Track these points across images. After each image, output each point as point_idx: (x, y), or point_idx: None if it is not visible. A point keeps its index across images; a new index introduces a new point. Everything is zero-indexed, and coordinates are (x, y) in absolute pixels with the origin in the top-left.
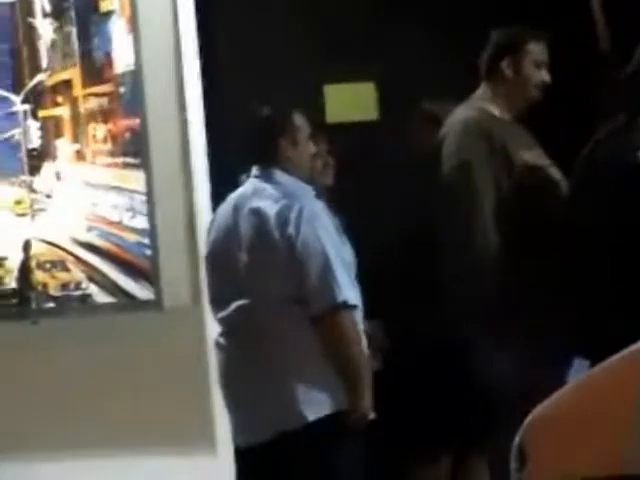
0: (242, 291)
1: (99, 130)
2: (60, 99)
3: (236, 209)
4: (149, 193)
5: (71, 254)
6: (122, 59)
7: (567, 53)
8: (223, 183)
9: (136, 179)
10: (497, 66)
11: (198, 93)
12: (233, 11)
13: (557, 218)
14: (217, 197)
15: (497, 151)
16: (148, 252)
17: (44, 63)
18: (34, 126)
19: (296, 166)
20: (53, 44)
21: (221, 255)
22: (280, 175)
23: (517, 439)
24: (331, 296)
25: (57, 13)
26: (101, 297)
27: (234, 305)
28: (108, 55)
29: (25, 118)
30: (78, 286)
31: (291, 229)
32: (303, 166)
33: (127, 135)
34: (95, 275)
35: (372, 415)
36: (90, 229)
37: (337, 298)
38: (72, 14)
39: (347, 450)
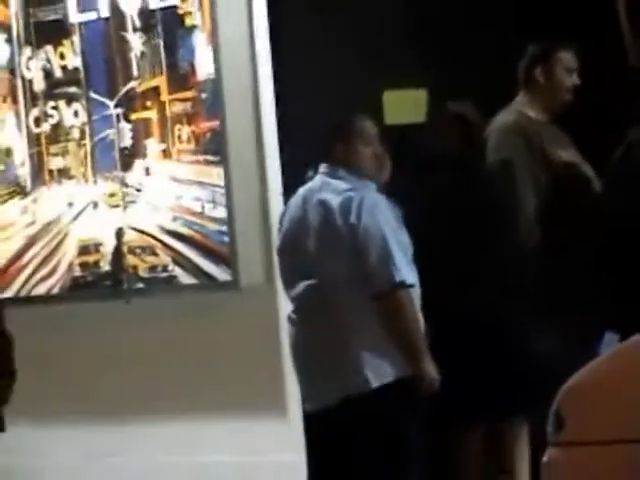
0: (310, 272)
1: (183, 131)
2: (149, 104)
3: (305, 201)
4: (227, 186)
5: (159, 240)
6: (203, 68)
7: (598, 59)
8: (293, 178)
9: (216, 174)
10: (532, 74)
11: (271, 98)
12: (302, 25)
13: (590, 210)
14: (287, 190)
15: (535, 149)
16: (226, 239)
17: (135, 72)
18: (126, 127)
19: (359, 164)
20: (143, 55)
21: (292, 241)
22: (344, 172)
23: (554, 406)
24: (390, 276)
25: (146, 28)
26: (185, 279)
27: (303, 284)
28: (191, 65)
29: (118, 120)
30: (165, 269)
31: (353, 218)
32: (366, 164)
33: (208, 135)
34: (180, 259)
35: (438, 381)
36: (175, 219)
37: (396, 278)
38: (159, 29)
39: (409, 416)
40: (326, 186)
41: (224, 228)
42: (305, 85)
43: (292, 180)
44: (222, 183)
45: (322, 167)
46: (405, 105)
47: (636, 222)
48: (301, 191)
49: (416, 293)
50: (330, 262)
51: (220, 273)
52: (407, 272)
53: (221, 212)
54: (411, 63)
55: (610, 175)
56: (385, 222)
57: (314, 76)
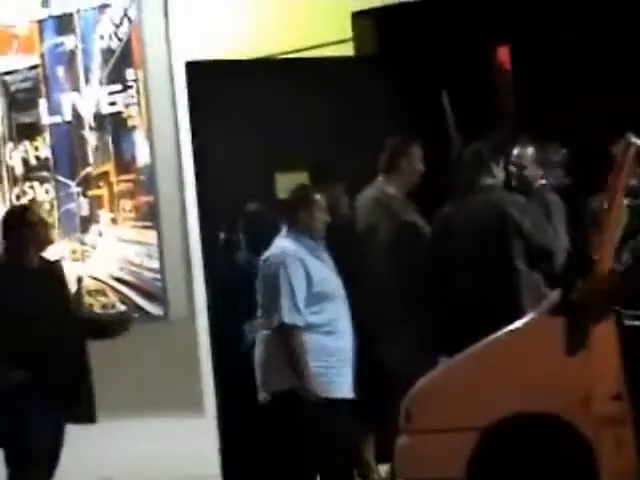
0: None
1: (127, 204)
2: (101, 184)
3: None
4: (160, 245)
5: (109, 285)
6: (142, 158)
7: (431, 152)
8: (209, 239)
9: (151, 236)
10: (397, 162)
11: (192, 179)
12: (216, 125)
13: (423, 254)
14: (204, 248)
15: (392, 215)
16: (159, 283)
17: (90, 160)
18: (84, 201)
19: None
20: (96, 148)
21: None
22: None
23: (404, 403)
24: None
25: (99, 127)
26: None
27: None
28: (132, 155)
29: (78, 196)
30: (113, 306)
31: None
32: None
33: (145, 207)
34: (124, 299)
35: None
36: (121, 269)
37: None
38: (109, 128)
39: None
40: (278, 245)
41: (158, 275)
42: (217, 170)
43: (208, 239)
44: (155, 242)
45: (283, 229)
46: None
47: (454, 265)
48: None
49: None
50: (260, 302)
51: (154, 309)
52: (294, 316)
53: (155, 263)
54: (297, 153)
55: (433, 231)
56: (291, 274)
57: (224, 162)
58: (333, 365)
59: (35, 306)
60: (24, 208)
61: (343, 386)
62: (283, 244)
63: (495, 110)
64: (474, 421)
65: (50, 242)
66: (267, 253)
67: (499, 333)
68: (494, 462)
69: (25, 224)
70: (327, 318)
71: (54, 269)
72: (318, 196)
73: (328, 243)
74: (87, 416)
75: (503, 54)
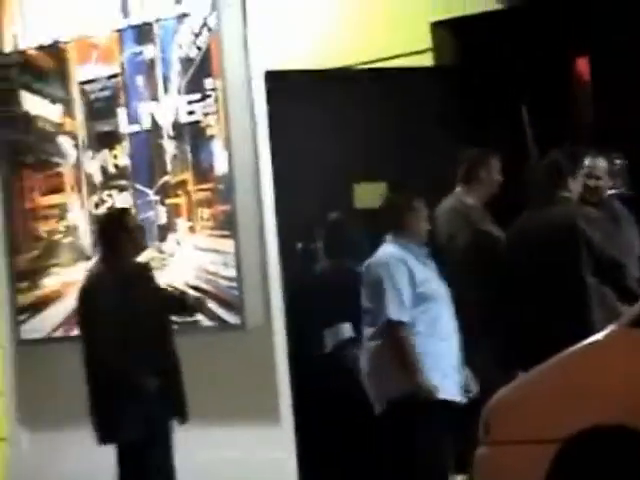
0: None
1: (205, 213)
2: (179, 192)
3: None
4: (237, 253)
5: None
6: (220, 167)
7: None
8: (286, 246)
9: (228, 244)
10: (476, 173)
11: (270, 188)
12: (293, 133)
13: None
14: (282, 255)
15: (470, 224)
16: (236, 292)
17: (169, 169)
18: (162, 210)
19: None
20: (174, 156)
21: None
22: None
23: (482, 415)
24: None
25: (177, 136)
26: (205, 322)
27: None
28: (210, 164)
29: (156, 204)
30: (190, 315)
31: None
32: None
33: (222, 216)
34: (201, 307)
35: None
36: (198, 277)
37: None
38: (187, 137)
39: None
40: (381, 252)
41: (234, 284)
42: (295, 177)
43: (286, 248)
44: (233, 251)
45: (388, 237)
46: (369, 194)
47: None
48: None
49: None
50: (365, 306)
51: (231, 318)
52: (400, 312)
53: (232, 272)
54: (375, 163)
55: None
56: (392, 275)
57: (302, 172)
58: (440, 367)
59: (137, 312)
60: (121, 213)
61: (451, 388)
62: (388, 249)
63: (573, 120)
64: (553, 433)
65: (145, 247)
66: (371, 259)
67: (578, 345)
68: (573, 474)
69: (123, 229)
70: (431, 318)
71: (148, 272)
72: (420, 203)
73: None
74: (182, 415)
75: (582, 64)
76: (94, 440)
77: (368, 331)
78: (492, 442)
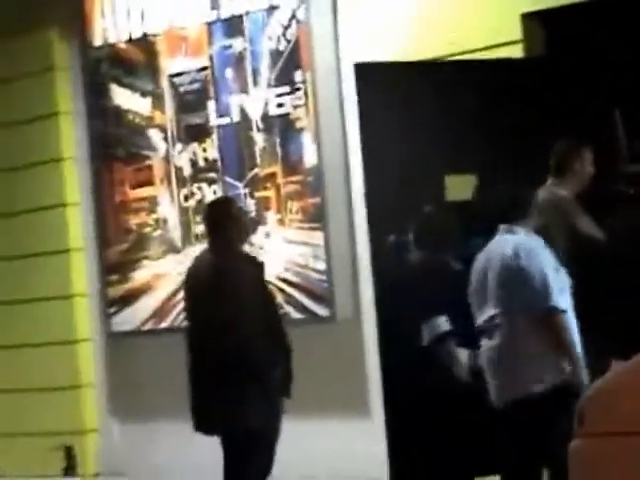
0: (494, 304)
1: (294, 205)
2: (268, 185)
3: (488, 255)
4: (326, 246)
5: (275, 286)
6: (309, 159)
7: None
8: (376, 239)
9: (318, 237)
10: (570, 164)
11: (360, 180)
12: (383, 124)
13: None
14: (373, 248)
15: (562, 216)
16: (326, 285)
17: (258, 161)
18: (251, 202)
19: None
20: (264, 149)
21: (480, 284)
22: (518, 229)
23: (578, 406)
24: (548, 302)
25: (267, 129)
26: (294, 314)
27: (488, 314)
28: (300, 156)
29: (246, 197)
30: (280, 307)
31: (523, 261)
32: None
33: (312, 209)
34: (291, 300)
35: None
36: (287, 269)
37: (551, 304)
38: (277, 130)
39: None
40: (504, 241)
41: (324, 277)
42: (385, 169)
43: (376, 240)
44: (322, 243)
45: (500, 227)
46: (461, 186)
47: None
48: (485, 248)
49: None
50: (508, 295)
51: (321, 310)
52: (560, 300)
53: (322, 264)
54: (466, 155)
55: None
56: (545, 263)
57: (393, 163)
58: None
59: (249, 299)
60: (226, 201)
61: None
62: (522, 237)
63: None
64: None
65: (250, 236)
66: (507, 247)
67: None
68: None
69: (230, 216)
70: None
71: (256, 263)
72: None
73: None
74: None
75: None
76: (188, 431)
77: (499, 320)
78: (586, 434)
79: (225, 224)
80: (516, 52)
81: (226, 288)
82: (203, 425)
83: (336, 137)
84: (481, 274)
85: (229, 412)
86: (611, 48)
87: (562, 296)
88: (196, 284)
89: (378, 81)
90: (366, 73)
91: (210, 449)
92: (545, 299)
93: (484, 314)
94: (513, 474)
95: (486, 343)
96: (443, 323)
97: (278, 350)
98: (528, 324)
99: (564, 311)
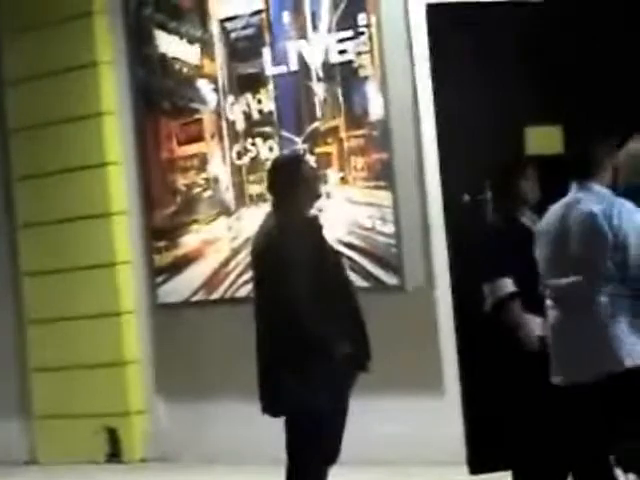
0: (576, 270)
1: (358, 162)
2: (330, 140)
3: (565, 213)
4: (395, 207)
5: None
6: (375, 111)
7: None
8: (450, 199)
9: (385, 197)
10: None
11: (431, 134)
12: (456, 75)
13: None
14: (446, 210)
15: None
16: (394, 250)
17: (318, 114)
18: (311, 159)
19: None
20: (325, 101)
21: (555, 245)
22: (597, 186)
23: None
24: None
25: (327, 78)
26: (359, 282)
27: (568, 280)
28: (365, 108)
29: (304, 153)
30: None
31: (615, 221)
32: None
33: (378, 166)
34: (355, 266)
35: None
36: (350, 233)
37: None
38: (338, 79)
39: None
40: (583, 199)
41: (392, 241)
42: (459, 122)
43: (449, 201)
44: (390, 204)
45: (574, 185)
46: (543, 139)
47: None
48: (557, 206)
49: None
50: (595, 260)
51: (389, 278)
52: None
53: (390, 228)
54: (550, 105)
55: None
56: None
57: (467, 115)
58: None
59: (320, 270)
60: (296, 159)
61: None
62: (605, 195)
63: None
64: None
65: (318, 200)
66: (591, 206)
67: None
68: None
69: (301, 179)
70: None
71: (320, 227)
72: None
73: None
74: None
75: None
76: (245, 412)
77: (584, 287)
78: None
79: (295, 186)
80: None
81: (295, 258)
82: (270, 406)
83: (405, 86)
84: (557, 234)
85: (295, 391)
86: None
87: None
88: (262, 253)
89: (452, 24)
90: (439, 15)
91: (270, 432)
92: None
93: (563, 279)
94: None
95: (562, 311)
96: (509, 284)
97: (347, 322)
98: (618, 294)
99: None
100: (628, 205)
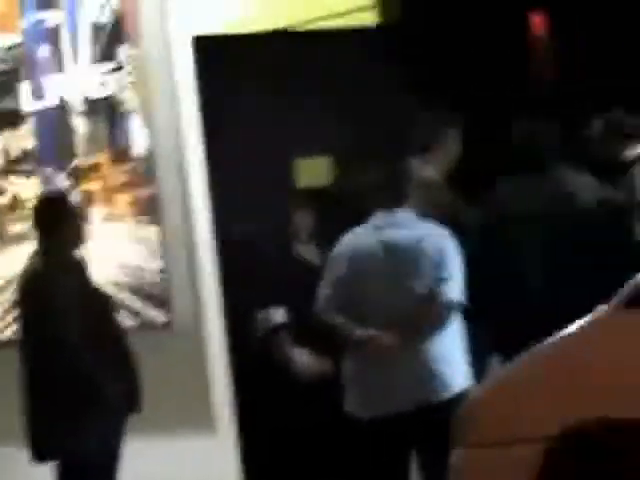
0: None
1: (124, 198)
2: (94, 176)
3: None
4: (163, 242)
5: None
6: (139, 145)
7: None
8: (221, 231)
9: (153, 232)
10: None
11: (197, 169)
12: (222, 112)
13: None
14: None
15: None
16: (163, 287)
17: (80, 150)
18: (76, 196)
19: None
20: (86, 135)
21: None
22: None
23: (457, 414)
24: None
25: (89, 112)
26: (128, 321)
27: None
28: (129, 143)
29: (68, 191)
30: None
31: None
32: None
33: (144, 201)
34: (123, 305)
35: None
36: (119, 271)
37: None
38: (101, 113)
39: None
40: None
41: (160, 277)
42: (229, 155)
43: (221, 234)
44: (157, 239)
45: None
46: (313, 170)
47: None
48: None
49: None
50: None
51: (157, 316)
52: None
53: (158, 264)
54: (318, 135)
55: None
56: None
57: (238, 146)
58: None
59: (88, 310)
60: (61, 196)
61: None
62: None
63: None
64: (539, 430)
65: (85, 239)
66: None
67: (568, 330)
68: (560, 474)
69: (66, 216)
70: None
71: (84, 268)
72: None
73: None
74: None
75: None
76: (15, 457)
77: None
78: (469, 444)
79: (60, 223)
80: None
81: (63, 300)
82: (39, 452)
83: (169, 120)
84: (359, 265)
85: (64, 436)
86: (467, 13)
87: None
88: (28, 293)
89: (219, 56)
90: (206, 47)
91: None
92: (457, 292)
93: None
94: None
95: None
96: (279, 315)
97: (116, 364)
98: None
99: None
100: (435, 230)
